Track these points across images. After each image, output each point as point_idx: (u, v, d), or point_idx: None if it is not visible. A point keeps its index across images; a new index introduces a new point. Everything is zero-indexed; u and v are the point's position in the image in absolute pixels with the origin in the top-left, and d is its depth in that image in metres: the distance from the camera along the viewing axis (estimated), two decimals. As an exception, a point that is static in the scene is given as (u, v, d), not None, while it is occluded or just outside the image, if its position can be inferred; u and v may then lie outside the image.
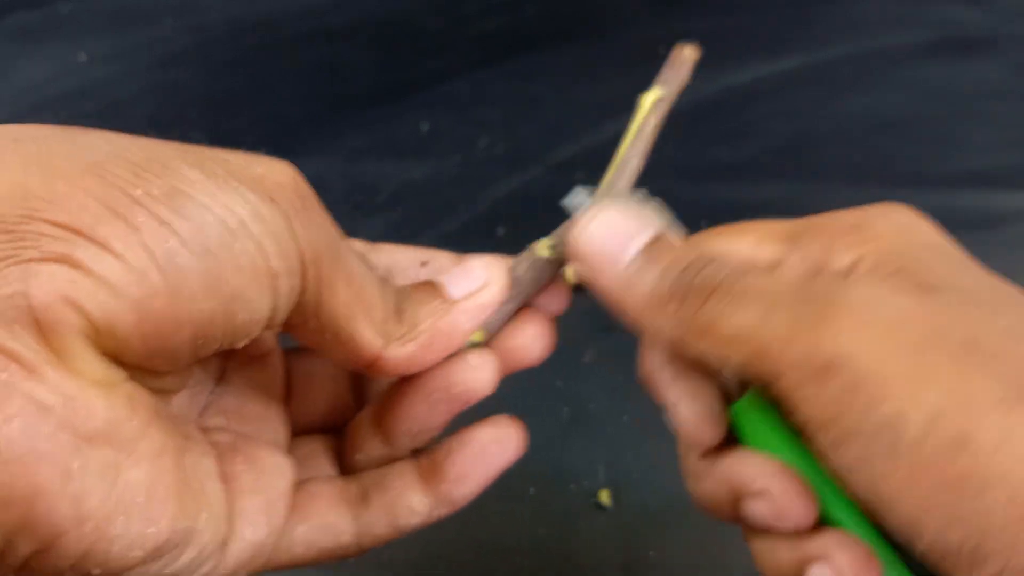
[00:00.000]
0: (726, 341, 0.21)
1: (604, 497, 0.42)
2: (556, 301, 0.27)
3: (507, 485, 0.44)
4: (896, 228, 0.23)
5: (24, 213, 0.18)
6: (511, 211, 0.59)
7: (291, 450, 0.26)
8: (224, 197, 0.19)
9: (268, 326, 0.21)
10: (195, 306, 0.19)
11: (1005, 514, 0.18)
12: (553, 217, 0.30)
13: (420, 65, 0.76)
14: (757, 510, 0.23)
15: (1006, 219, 0.58)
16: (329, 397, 0.28)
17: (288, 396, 0.27)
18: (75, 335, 0.18)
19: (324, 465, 0.27)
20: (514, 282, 0.26)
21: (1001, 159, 0.63)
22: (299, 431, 0.27)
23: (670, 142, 0.65)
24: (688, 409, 0.25)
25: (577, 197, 0.27)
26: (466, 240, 0.57)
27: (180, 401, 0.24)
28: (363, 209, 0.60)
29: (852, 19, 0.81)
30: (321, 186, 0.74)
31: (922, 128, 0.66)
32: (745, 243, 0.25)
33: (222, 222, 0.19)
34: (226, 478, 0.22)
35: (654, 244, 0.24)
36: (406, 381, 0.25)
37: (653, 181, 0.69)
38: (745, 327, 0.21)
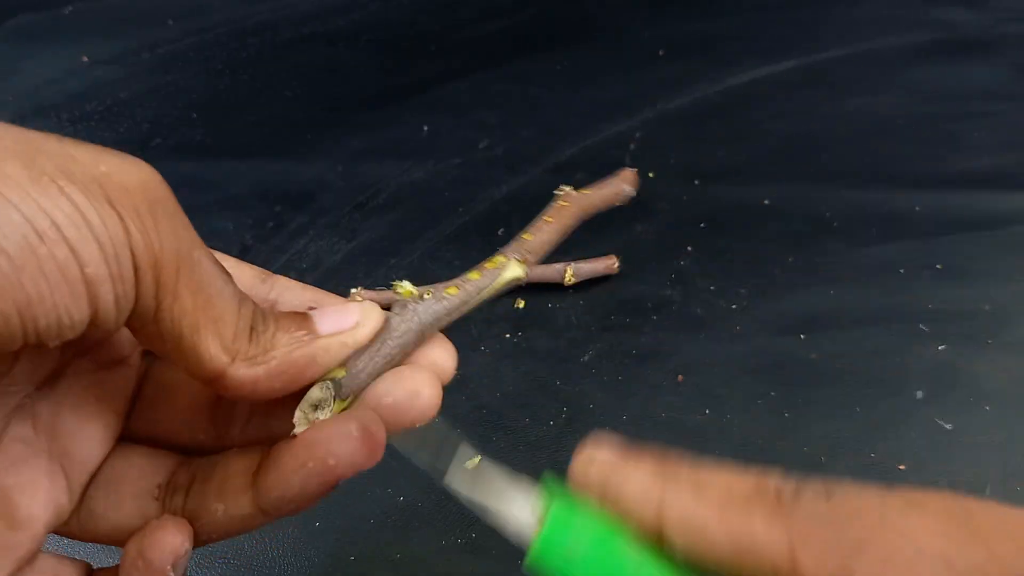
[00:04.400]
0: None
1: (603, 496, 0.42)
2: (442, 356, 0.26)
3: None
4: None
5: None
6: (510, 212, 0.60)
7: (113, 460, 0.25)
8: (40, 197, 0.18)
9: (95, 331, 0.20)
10: None
11: None
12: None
13: (420, 68, 0.77)
14: None
15: (1005, 219, 0.58)
16: (182, 415, 0.26)
17: (134, 407, 0.26)
18: None
19: (142, 486, 0.25)
20: (390, 329, 0.25)
21: (999, 160, 0.63)
22: (141, 442, 0.26)
23: (670, 143, 0.65)
24: None
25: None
26: (466, 240, 0.57)
27: None
28: (364, 210, 0.60)
29: (850, 21, 0.81)
30: (322, 187, 0.74)
31: (920, 129, 0.67)
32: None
33: (28, 223, 0.18)
34: None
35: None
36: (286, 444, 0.23)
37: (654, 182, 0.69)
38: None
